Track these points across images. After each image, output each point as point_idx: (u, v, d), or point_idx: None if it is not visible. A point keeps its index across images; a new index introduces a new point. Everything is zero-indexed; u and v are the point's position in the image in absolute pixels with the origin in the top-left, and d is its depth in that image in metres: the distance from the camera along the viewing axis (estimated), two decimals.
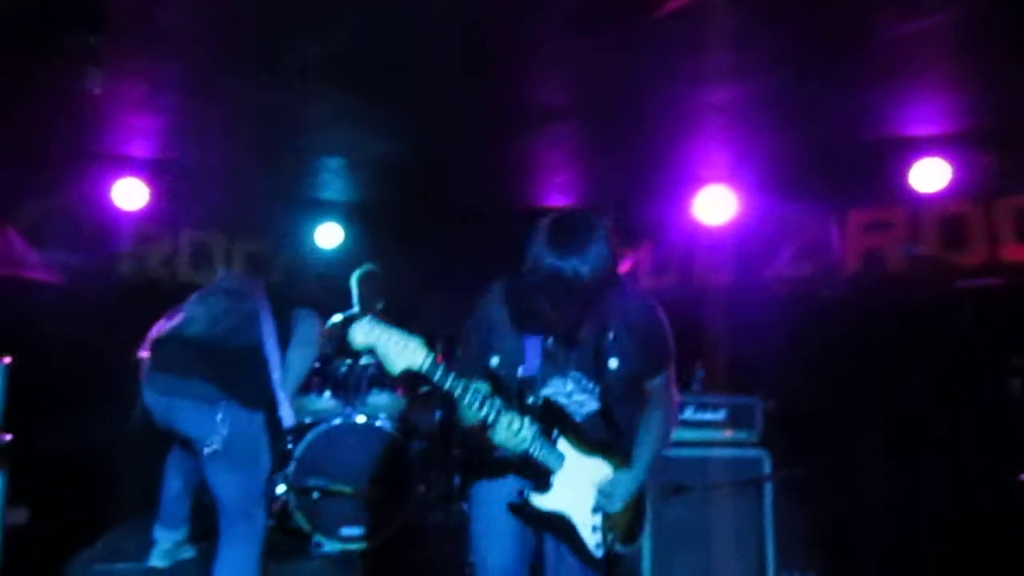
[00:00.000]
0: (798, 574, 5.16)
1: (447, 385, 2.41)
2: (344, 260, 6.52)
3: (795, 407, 5.38)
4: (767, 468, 5.04)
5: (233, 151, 5.50)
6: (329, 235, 6.84)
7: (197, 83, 4.46)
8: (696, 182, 5.87)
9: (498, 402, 2.44)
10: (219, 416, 3.30)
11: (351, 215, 6.87)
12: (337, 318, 5.93)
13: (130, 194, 5.82)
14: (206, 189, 6.00)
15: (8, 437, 3.72)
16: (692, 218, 6.08)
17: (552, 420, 2.55)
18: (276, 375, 3.40)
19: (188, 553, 4.15)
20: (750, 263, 5.99)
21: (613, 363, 2.60)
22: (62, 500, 4.76)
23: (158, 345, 3.55)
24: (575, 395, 2.62)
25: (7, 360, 3.77)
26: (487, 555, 2.60)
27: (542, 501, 2.53)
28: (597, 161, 5.73)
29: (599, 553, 2.57)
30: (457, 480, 5.63)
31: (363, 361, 5.13)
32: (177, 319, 3.59)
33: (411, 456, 4.91)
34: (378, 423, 4.96)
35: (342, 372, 5.07)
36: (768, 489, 5.04)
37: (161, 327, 3.64)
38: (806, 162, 5.32)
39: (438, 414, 5.60)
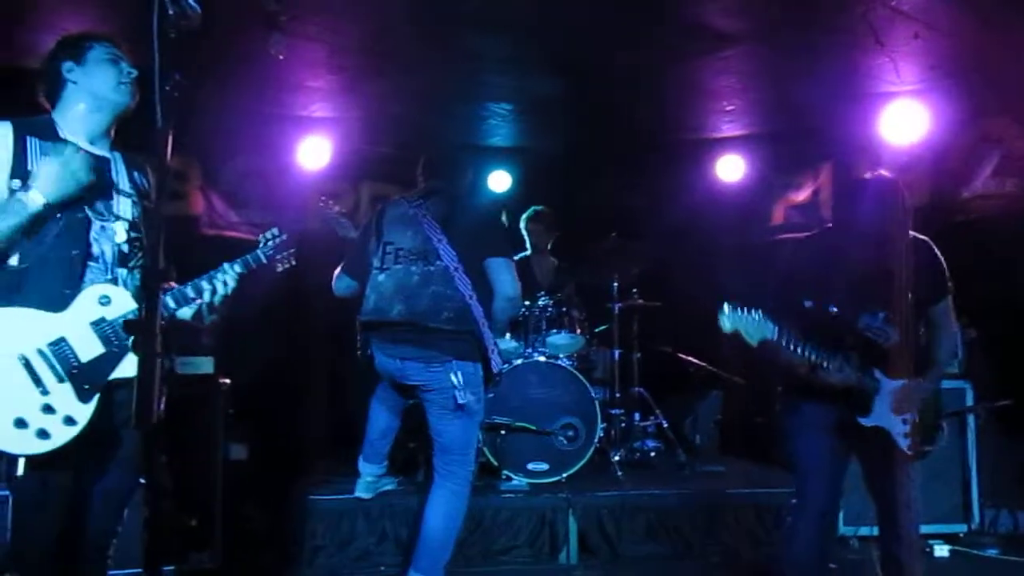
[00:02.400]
0: (1006, 512, 4.87)
1: (794, 349, 2.87)
2: (514, 205, 6.63)
3: (999, 336, 5.02)
4: (970, 400, 4.76)
5: (407, 104, 5.67)
6: (498, 181, 6.96)
7: (373, 41, 4.60)
8: (882, 98, 5.49)
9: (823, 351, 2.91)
10: (454, 374, 3.43)
11: (519, 160, 6.95)
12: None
13: (314, 153, 6.14)
14: (383, 143, 6.24)
15: (227, 381, 4.07)
16: (878, 138, 5.72)
17: (869, 354, 2.98)
18: (485, 329, 3.49)
19: (389, 485, 4.42)
20: (946, 183, 5.57)
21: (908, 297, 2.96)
22: (275, 437, 5.17)
23: (370, 327, 3.64)
24: (881, 327, 3.00)
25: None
26: (812, 480, 3.06)
27: (866, 420, 2.97)
28: (770, 85, 5.48)
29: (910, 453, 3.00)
30: (637, 417, 5.68)
31: (541, 302, 5.22)
32: (373, 300, 3.58)
33: (591, 394, 4.98)
34: (559, 362, 5.06)
35: (521, 314, 5.18)
36: (971, 422, 4.77)
37: (365, 306, 3.63)
38: (1005, 67, 4.84)
39: (616, 353, 5.63)
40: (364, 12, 4.35)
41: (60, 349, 2.31)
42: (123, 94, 2.57)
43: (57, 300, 2.35)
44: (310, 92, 5.51)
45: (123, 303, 2.41)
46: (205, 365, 4.04)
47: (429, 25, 4.44)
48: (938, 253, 3.11)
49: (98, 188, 2.47)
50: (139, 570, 3.68)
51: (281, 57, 4.40)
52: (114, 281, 2.45)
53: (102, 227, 2.45)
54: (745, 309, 2.88)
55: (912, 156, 5.70)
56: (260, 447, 4.79)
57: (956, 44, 4.63)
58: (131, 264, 2.52)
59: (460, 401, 3.41)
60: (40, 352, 2.30)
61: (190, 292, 2.53)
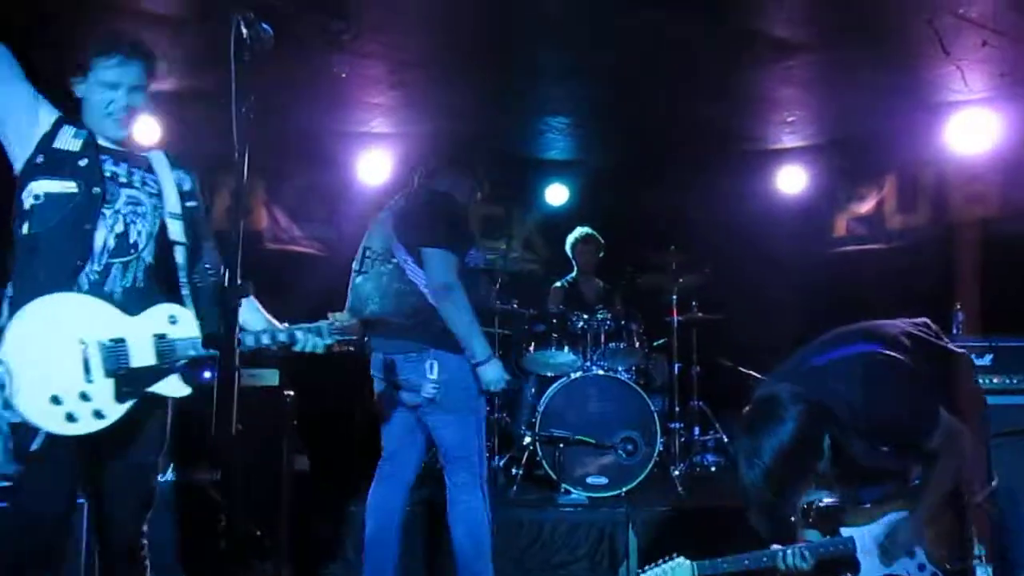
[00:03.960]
0: None
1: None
2: (570, 218, 6.65)
3: None
4: None
5: (464, 118, 5.73)
6: (555, 194, 6.99)
7: (432, 57, 4.68)
8: (948, 108, 5.38)
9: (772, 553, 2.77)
10: (428, 364, 3.34)
11: (575, 173, 6.96)
12: (558, 283, 6.07)
13: (374, 167, 6.24)
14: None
15: (291, 393, 4.15)
16: (944, 148, 5.60)
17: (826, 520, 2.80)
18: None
19: None
20: (1016, 193, 5.42)
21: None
22: (335, 449, 5.24)
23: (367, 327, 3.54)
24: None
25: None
26: None
27: None
28: (833, 95, 5.41)
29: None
30: (697, 431, 5.62)
31: (599, 316, 5.21)
32: (349, 301, 3.59)
33: (650, 407, 4.95)
34: (617, 375, 5.04)
35: (579, 327, 5.18)
36: None
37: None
38: None
39: (676, 366, 5.59)
40: (424, 29, 4.42)
41: (118, 348, 2.39)
42: (111, 127, 2.53)
43: (69, 271, 2.40)
44: (370, 108, 5.62)
45: (188, 327, 2.48)
46: (271, 377, 4.13)
47: (488, 40, 4.50)
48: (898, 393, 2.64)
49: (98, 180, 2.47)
50: None
51: (344, 75, 4.52)
52: (105, 271, 2.46)
53: (105, 214, 2.46)
54: (656, 563, 2.76)
55: (980, 166, 5.57)
56: (321, 458, 4.86)
57: None
58: (126, 259, 2.50)
59: (425, 394, 3.30)
60: (100, 344, 2.37)
61: (264, 340, 2.61)
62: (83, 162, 2.47)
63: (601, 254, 5.98)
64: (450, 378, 3.33)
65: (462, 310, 3.29)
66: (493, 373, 3.32)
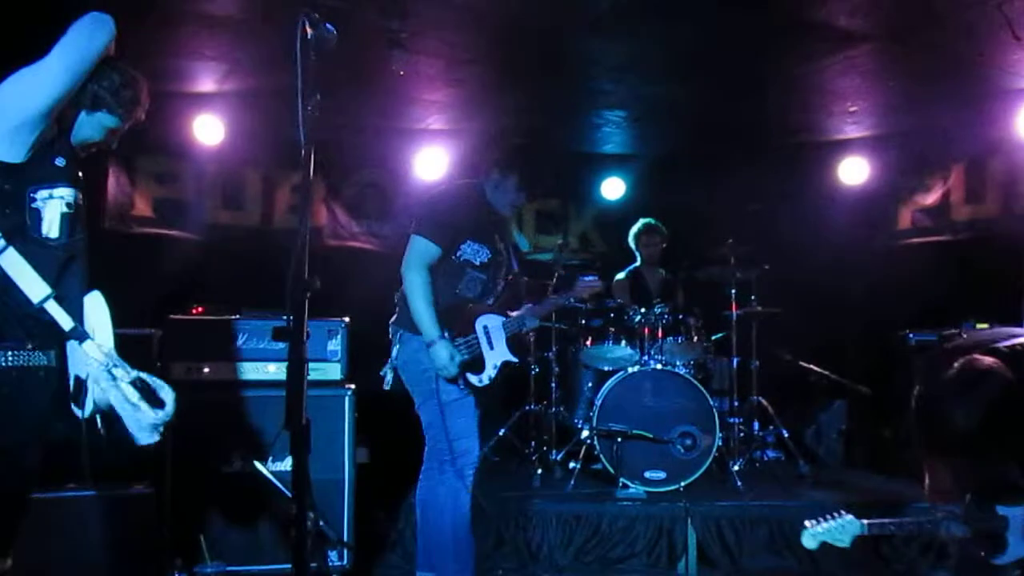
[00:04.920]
0: None
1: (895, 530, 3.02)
2: (626, 212, 6.63)
3: None
4: None
5: (520, 114, 5.75)
6: (612, 189, 6.96)
7: (488, 53, 4.70)
8: (1018, 95, 5.22)
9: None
10: (395, 345, 3.56)
11: (632, 167, 6.93)
12: (621, 275, 6.07)
13: (431, 164, 6.30)
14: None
15: (352, 387, 4.22)
16: (1014, 136, 5.43)
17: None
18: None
19: None
20: None
21: None
22: (395, 441, 5.31)
23: None
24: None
25: (346, 320, 4.28)
26: None
27: (1002, 558, 2.84)
28: (896, 85, 5.28)
29: None
30: (756, 426, 5.56)
31: (656, 310, 5.19)
32: None
33: (709, 402, 4.91)
34: (676, 370, 5.01)
35: (636, 321, 5.17)
36: None
37: None
38: None
39: (735, 360, 5.54)
40: (480, 25, 4.45)
41: None
42: (81, 153, 2.52)
43: None
44: (427, 105, 5.67)
45: None
46: (333, 370, 4.21)
47: (544, 35, 4.51)
48: None
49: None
50: (278, 566, 3.90)
51: (402, 73, 4.57)
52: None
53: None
54: (824, 518, 2.90)
55: None
56: (381, 451, 4.93)
57: None
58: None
59: (383, 372, 3.54)
60: None
61: None
62: None
63: (664, 245, 6.02)
64: (408, 359, 3.51)
65: (414, 294, 3.39)
66: (438, 357, 3.37)
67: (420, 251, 3.44)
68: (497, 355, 3.53)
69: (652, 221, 6.01)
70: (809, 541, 2.88)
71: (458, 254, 3.49)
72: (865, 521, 2.84)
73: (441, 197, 3.67)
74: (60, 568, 3.55)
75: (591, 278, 4.01)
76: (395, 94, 5.41)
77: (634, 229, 6.04)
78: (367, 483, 4.36)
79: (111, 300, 4.74)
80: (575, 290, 4.01)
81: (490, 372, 3.51)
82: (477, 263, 3.52)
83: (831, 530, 2.84)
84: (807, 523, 2.90)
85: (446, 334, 3.38)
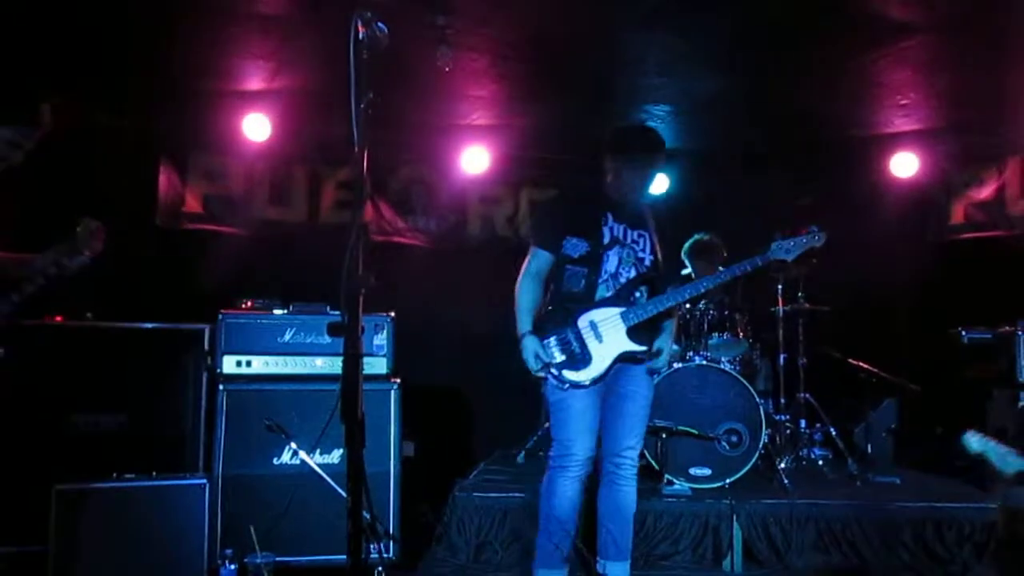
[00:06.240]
0: None
1: None
2: (670, 207, 6.57)
3: None
4: None
5: (564, 109, 5.74)
6: (656, 184, 6.90)
7: (533, 49, 4.70)
8: None
9: None
10: None
11: (677, 162, 6.87)
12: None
13: (475, 160, 6.33)
14: (541, 148, 6.34)
15: (398, 381, 4.27)
16: None
17: None
18: None
19: None
20: None
21: None
22: (440, 436, 5.37)
23: None
24: None
25: (392, 315, 4.32)
26: None
27: None
28: (950, 77, 5.16)
29: None
30: (804, 424, 5.49)
31: (701, 305, 5.15)
32: None
33: (755, 399, 4.86)
34: (721, 366, 4.98)
35: (682, 317, 5.13)
36: None
37: None
38: None
39: (782, 357, 5.47)
40: (525, 20, 4.45)
41: None
42: None
43: None
44: (472, 101, 5.68)
45: None
46: (379, 365, 4.26)
47: (588, 30, 4.50)
48: None
49: None
50: (326, 557, 3.95)
51: (448, 68, 4.58)
52: None
53: None
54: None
55: None
56: (427, 445, 4.98)
57: None
58: None
59: None
60: None
61: None
62: None
63: (725, 255, 5.54)
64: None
65: (516, 298, 3.54)
66: (523, 353, 3.48)
67: (528, 258, 3.59)
68: (610, 348, 3.48)
69: (707, 237, 5.58)
70: (973, 443, 2.98)
71: (561, 252, 3.54)
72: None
73: (542, 204, 3.80)
74: (111, 556, 3.66)
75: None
76: (440, 90, 5.43)
77: (689, 244, 5.53)
78: (413, 477, 4.42)
79: (164, 296, 4.87)
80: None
81: (599, 367, 3.46)
82: (575, 256, 3.52)
83: (996, 448, 2.93)
84: (971, 432, 3.01)
85: (533, 332, 3.46)
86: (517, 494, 4.46)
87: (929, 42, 4.57)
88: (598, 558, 3.66)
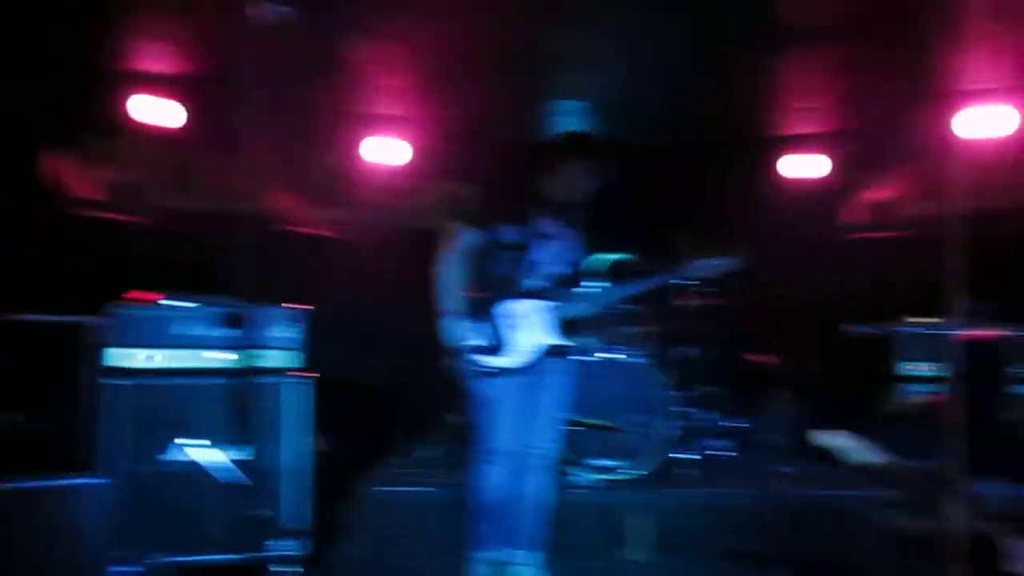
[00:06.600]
0: None
1: None
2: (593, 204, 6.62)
3: None
4: None
5: (475, 101, 5.72)
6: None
7: (449, 40, 4.68)
8: (964, 97, 5.35)
9: None
10: None
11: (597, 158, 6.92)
12: None
13: (393, 151, 6.26)
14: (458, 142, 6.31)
15: (311, 375, 4.18)
16: (959, 138, 5.58)
17: None
18: None
19: None
20: None
21: None
22: (354, 430, 5.29)
23: None
24: None
25: (305, 307, 4.23)
26: None
27: None
28: (850, 83, 5.38)
29: None
30: (709, 417, 5.61)
31: None
32: None
33: (663, 391, 4.95)
34: (630, 357, 5.04)
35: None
36: None
37: None
38: None
39: (690, 351, 5.58)
40: (439, 11, 4.41)
41: None
42: None
43: None
44: (386, 91, 5.62)
45: None
46: (292, 359, 4.17)
47: (499, 25, 4.50)
48: None
49: None
50: (227, 556, 3.85)
51: (359, 57, 4.51)
52: None
53: None
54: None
55: (995, 156, 5.55)
56: (341, 439, 4.91)
57: None
58: None
59: None
60: None
61: None
62: None
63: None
64: None
65: (439, 272, 3.54)
66: (441, 333, 3.52)
67: (455, 238, 3.54)
68: (531, 338, 3.54)
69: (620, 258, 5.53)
70: (821, 439, 3.07)
71: (492, 238, 3.55)
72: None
73: (477, 189, 4.05)
74: (3, 561, 3.48)
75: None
76: (352, 78, 5.35)
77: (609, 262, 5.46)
78: (327, 472, 4.35)
79: (54, 287, 4.63)
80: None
81: (519, 356, 3.51)
82: (506, 244, 3.55)
83: (844, 442, 3.03)
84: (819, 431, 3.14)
85: (455, 313, 3.46)
86: (429, 488, 4.45)
87: (831, 48, 4.75)
88: (513, 548, 3.69)
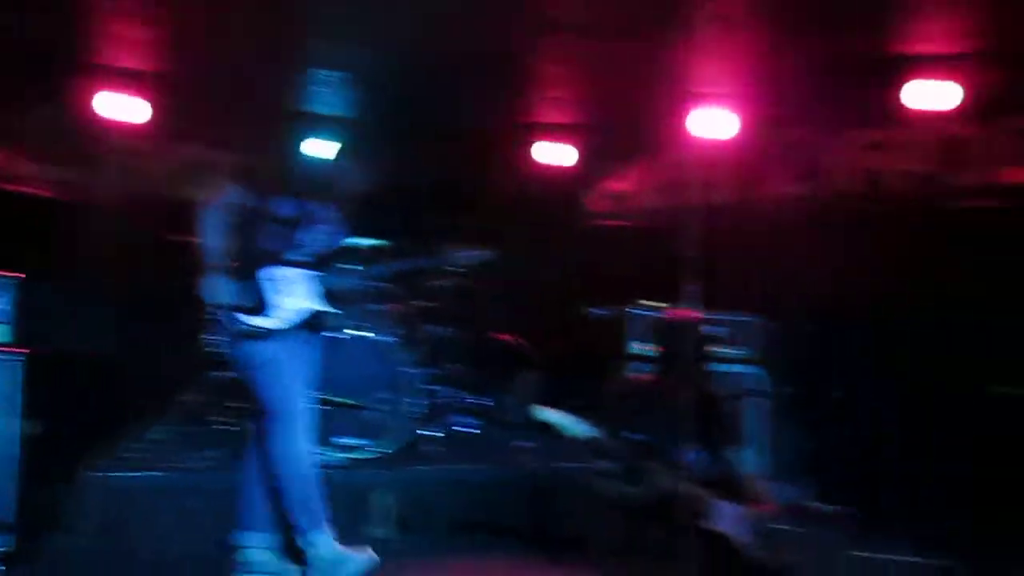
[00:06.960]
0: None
1: None
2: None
3: (794, 327, 5.48)
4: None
5: (225, 63, 5.42)
6: (322, 150, 6.76)
7: None
8: (697, 98, 5.82)
9: None
10: None
11: (344, 131, 6.80)
12: None
13: (128, 109, 5.78)
14: (203, 103, 5.95)
15: (24, 351, 3.80)
16: (690, 136, 6.07)
17: None
18: None
19: None
20: (749, 182, 6.02)
21: None
22: (77, 410, 4.87)
23: None
24: None
25: (17, 275, 3.84)
26: None
27: None
28: (596, 77, 5.67)
29: None
30: (455, 394, 5.74)
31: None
32: None
33: (408, 369, 5.00)
34: (376, 335, 5.03)
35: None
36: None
37: None
38: (807, 79, 5.28)
39: (434, 329, 5.68)
40: None
41: None
42: None
43: None
44: (124, 43, 5.18)
45: None
46: (2, 333, 3.76)
47: None
48: None
49: None
50: None
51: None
52: None
53: None
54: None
55: (724, 153, 6.10)
56: (58, 422, 4.50)
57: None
58: None
59: None
60: None
61: None
62: None
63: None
64: None
65: (202, 225, 3.51)
66: (201, 289, 3.49)
67: (221, 194, 3.53)
68: (293, 304, 3.56)
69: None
70: (541, 414, 3.49)
71: (261, 203, 3.55)
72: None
73: (253, 157, 4.03)
74: None
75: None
76: (84, 24, 4.87)
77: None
78: (42, 458, 3.99)
79: None
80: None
81: (280, 319, 3.51)
82: (277, 215, 3.56)
83: (563, 418, 3.45)
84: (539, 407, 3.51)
85: (218, 270, 3.40)
86: (156, 472, 4.22)
87: (577, 42, 4.96)
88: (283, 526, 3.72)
